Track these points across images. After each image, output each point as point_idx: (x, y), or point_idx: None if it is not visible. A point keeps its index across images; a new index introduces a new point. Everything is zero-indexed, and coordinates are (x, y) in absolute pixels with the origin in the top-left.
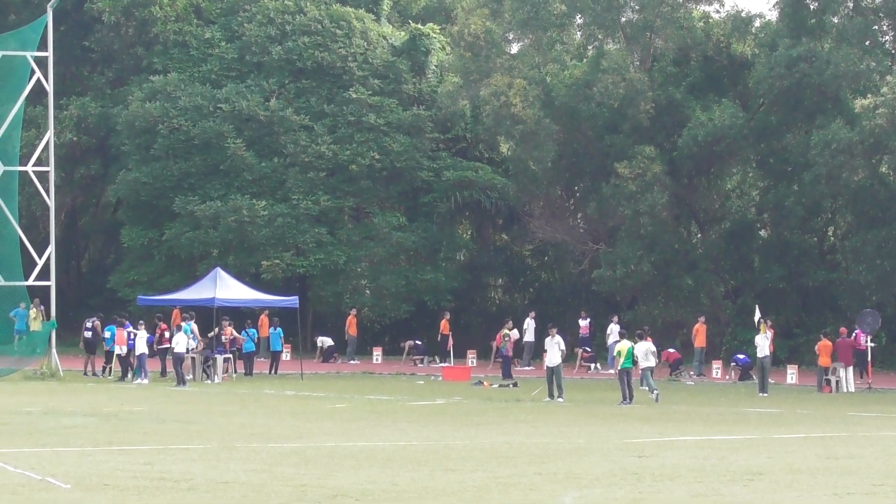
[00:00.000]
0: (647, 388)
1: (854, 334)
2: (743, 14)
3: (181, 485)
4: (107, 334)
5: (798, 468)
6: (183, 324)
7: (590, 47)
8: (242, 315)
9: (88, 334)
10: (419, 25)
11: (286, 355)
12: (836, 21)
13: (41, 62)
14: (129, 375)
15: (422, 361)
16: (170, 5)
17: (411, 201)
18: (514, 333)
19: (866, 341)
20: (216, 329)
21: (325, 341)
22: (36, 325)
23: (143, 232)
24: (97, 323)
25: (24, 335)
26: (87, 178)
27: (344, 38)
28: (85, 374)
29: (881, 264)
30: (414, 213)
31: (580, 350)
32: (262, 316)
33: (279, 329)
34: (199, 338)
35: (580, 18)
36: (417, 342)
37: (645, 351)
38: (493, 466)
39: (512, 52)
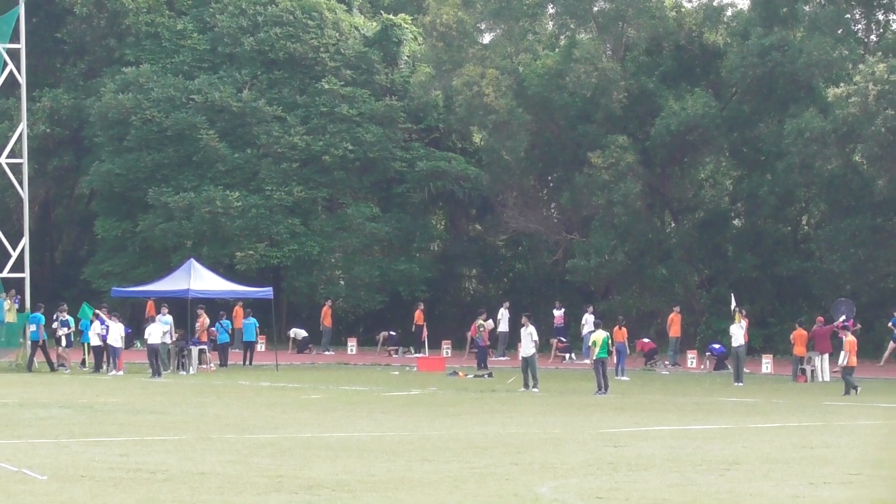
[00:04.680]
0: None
1: (836, 323)
2: (715, 3)
3: (157, 476)
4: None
5: (774, 457)
6: (160, 316)
7: (562, 37)
8: (217, 306)
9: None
10: (391, 16)
11: (261, 346)
12: (808, 10)
13: (13, 54)
14: (104, 367)
15: (397, 352)
16: None
17: (384, 192)
18: (489, 324)
19: (854, 330)
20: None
21: (299, 333)
22: (10, 317)
23: (117, 223)
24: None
25: (2, 326)
26: (60, 169)
27: (316, 28)
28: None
29: (855, 253)
30: (387, 203)
31: (555, 340)
32: (237, 307)
33: (252, 319)
34: (175, 330)
35: (552, 8)
36: (392, 333)
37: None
38: (469, 457)
39: (484, 42)
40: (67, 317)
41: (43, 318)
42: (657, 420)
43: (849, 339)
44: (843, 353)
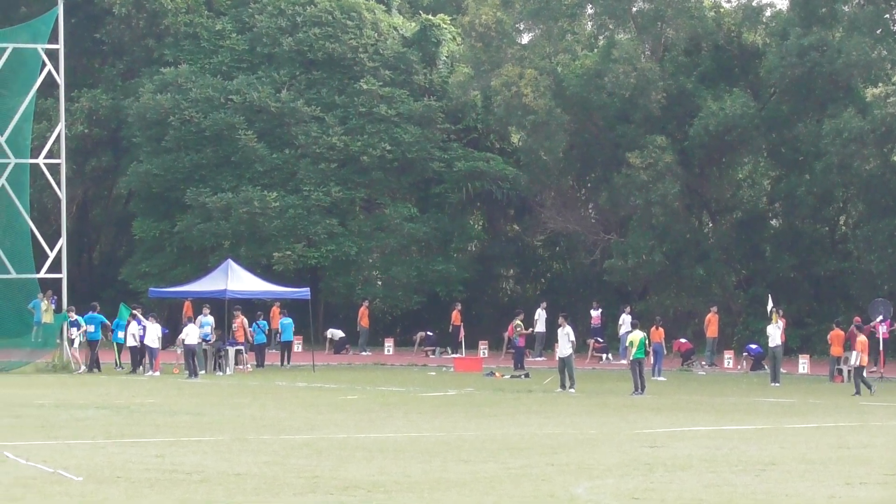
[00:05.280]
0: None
1: (873, 324)
2: (754, 3)
3: (193, 477)
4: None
5: (810, 458)
6: (202, 316)
7: (601, 37)
8: (254, 307)
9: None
10: (430, 16)
11: (298, 347)
12: (847, 9)
13: (52, 54)
14: (141, 368)
15: (433, 352)
16: None
17: (423, 192)
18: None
19: (891, 330)
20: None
21: (336, 333)
22: (47, 318)
23: (155, 224)
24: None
25: (40, 327)
26: (98, 170)
27: (355, 29)
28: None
29: (893, 253)
30: (425, 203)
31: (592, 340)
32: (274, 307)
33: (289, 318)
34: (214, 331)
35: (591, 8)
36: (429, 333)
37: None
38: (506, 457)
39: (523, 42)
40: (76, 317)
41: (101, 317)
42: (693, 420)
43: (860, 339)
44: (854, 353)
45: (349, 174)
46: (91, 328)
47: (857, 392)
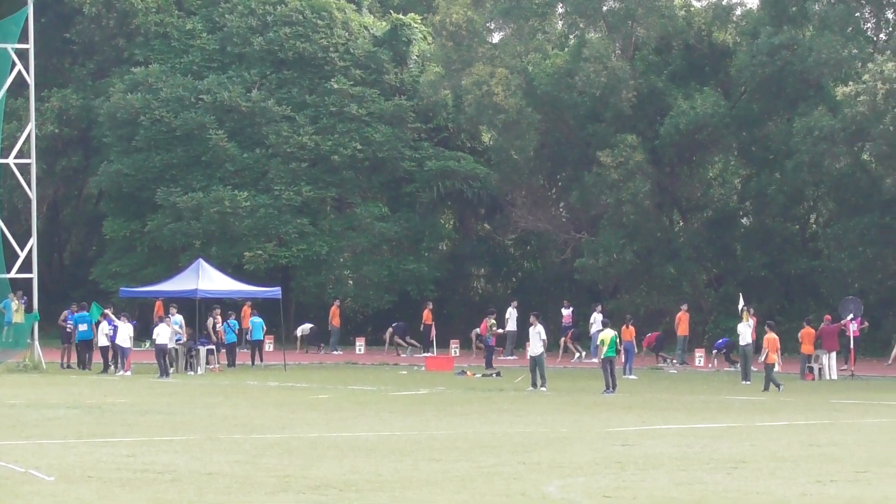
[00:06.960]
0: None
1: (843, 322)
2: (724, 2)
3: (165, 476)
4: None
5: (781, 456)
6: (171, 317)
7: (571, 36)
8: (225, 306)
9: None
10: (400, 15)
11: (269, 346)
12: (817, 8)
13: (22, 54)
14: (112, 367)
15: (405, 342)
16: None
17: (393, 191)
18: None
19: (862, 328)
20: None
21: (305, 328)
22: (18, 318)
23: (125, 223)
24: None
25: (10, 327)
26: (68, 169)
27: (325, 28)
28: (66, 366)
29: (863, 251)
30: (396, 203)
31: (563, 338)
32: (245, 307)
33: (259, 318)
34: (184, 330)
35: (561, 7)
36: (399, 322)
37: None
38: (477, 456)
39: (493, 41)
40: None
41: (89, 315)
42: (665, 419)
43: (769, 336)
44: (763, 350)
45: (320, 173)
46: (83, 327)
47: (766, 388)
